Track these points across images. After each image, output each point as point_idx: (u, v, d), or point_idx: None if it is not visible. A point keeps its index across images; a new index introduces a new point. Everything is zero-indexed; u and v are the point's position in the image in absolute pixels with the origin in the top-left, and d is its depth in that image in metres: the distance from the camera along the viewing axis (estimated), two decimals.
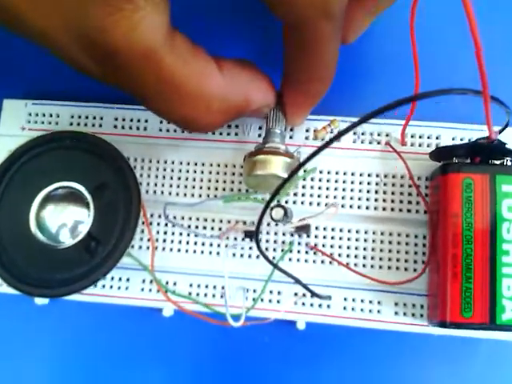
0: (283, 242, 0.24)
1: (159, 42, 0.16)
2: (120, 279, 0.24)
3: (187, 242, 0.25)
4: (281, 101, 0.22)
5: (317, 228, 0.24)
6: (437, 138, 0.24)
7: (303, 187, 0.25)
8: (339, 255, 0.24)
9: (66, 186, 0.24)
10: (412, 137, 0.24)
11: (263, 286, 0.23)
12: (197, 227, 0.25)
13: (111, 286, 0.24)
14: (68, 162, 0.25)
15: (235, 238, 0.24)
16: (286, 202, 0.25)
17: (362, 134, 0.25)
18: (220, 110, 0.19)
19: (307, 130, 0.25)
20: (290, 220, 0.23)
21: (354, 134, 0.24)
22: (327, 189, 0.24)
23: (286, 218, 0.22)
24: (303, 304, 0.23)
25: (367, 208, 0.24)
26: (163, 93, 0.17)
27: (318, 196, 0.24)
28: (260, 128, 0.25)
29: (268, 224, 0.24)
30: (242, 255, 0.24)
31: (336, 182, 0.24)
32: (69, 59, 0.17)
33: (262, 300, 0.23)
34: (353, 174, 0.24)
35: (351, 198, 0.24)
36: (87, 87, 0.24)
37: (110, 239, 0.23)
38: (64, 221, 0.24)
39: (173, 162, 0.25)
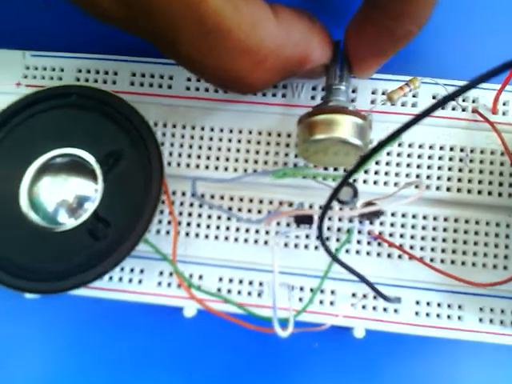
0: (339, 230, 0.21)
1: None
2: (132, 270, 0.21)
3: (217, 227, 0.21)
4: (347, 48, 0.19)
5: (382, 213, 0.21)
6: None
7: None
8: (411, 247, 0.21)
9: (68, 153, 0.21)
10: (504, 104, 0.21)
11: (319, 283, 0.20)
12: (230, 208, 0.21)
13: (120, 279, 0.21)
14: (73, 123, 0.21)
15: (278, 223, 0.21)
16: None
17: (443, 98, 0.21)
18: (272, 65, 0.17)
19: (374, 92, 0.22)
20: (356, 203, 0.19)
21: (433, 98, 0.21)
22: (397, 165, 0.21)
23: (355, 200, 0.18)
24: (363, 307, 0.20)
25: (448, 190, 0.21)
26: (204, 42, 0.15)
27: (386, 174, 0.21)
28: (314, 89, 0.22)
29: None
30: (286, 245, 0.21)
31: (409, 156, 0.21)
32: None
33: (311, 301, 0.20)
34: (431, 148, 0.21)
35: (428, 177, 0.21)
36: (98, 35, 0.23)
37: (121, 221, 0.20)
38: (64, 197, 0.21)
39: (203, 129, 0.22)
